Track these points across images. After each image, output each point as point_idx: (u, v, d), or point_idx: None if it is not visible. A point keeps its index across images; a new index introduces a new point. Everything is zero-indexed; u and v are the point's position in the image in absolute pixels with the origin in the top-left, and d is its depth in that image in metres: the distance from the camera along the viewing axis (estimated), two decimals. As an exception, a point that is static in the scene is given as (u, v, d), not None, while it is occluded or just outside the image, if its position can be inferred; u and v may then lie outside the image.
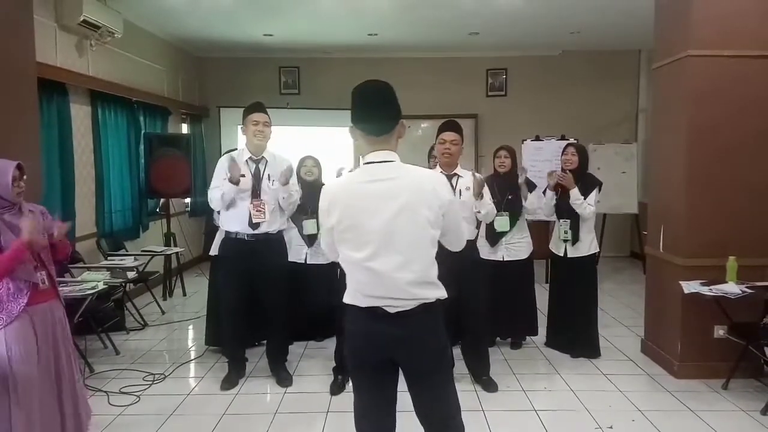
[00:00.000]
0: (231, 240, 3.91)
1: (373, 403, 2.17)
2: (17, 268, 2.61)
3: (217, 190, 3.85)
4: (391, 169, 2.03)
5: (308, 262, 4.71)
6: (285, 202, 3.93)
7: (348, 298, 2.10)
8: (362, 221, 2.00)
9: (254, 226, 3.83)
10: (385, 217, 1.98)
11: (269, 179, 3.89)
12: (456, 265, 2.23)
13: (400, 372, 2.15)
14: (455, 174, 3.83)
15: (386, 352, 2.07)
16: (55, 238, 2.85)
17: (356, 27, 7.05)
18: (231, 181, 3.75)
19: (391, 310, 2.01)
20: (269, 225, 3.88)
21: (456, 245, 2.20)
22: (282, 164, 3.96)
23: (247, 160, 3.90)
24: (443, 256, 2.13)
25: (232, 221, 3.87)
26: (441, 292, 2.07)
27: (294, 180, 4.07)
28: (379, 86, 2.06)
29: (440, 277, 2.09)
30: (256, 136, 3.87)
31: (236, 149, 4.10)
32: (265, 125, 3.88)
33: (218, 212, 4.09)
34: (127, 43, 6.31)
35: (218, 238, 4.17)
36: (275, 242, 3.99)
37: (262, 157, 3.93)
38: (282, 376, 4.05)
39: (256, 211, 3.82)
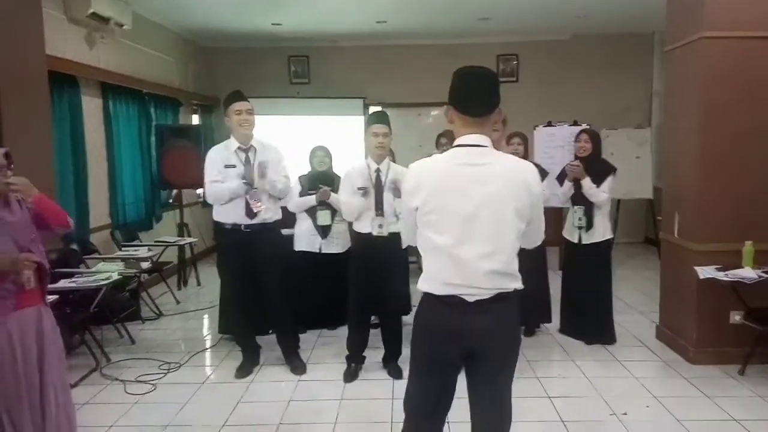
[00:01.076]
0: (228, 231, 3.87)
1: (439, 393, 2.09)
2: None
3: (218, 185, 3.80)
4: (484, 155, 1.96)
5: (323, 251, 4.72)
6: (273, 192, 3.89)
7: (424, 285, 2.03)
8: (449, 204, 1.94)
9: (251, 215, 3.82)
10: (473, 202, 1.91)
11: (261, 167, 3.85)
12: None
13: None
14: None
15: (464, 345, 1.99)
16: (20, 193, 2.45)
17: (365, 15, 7.00)
18: (246, 174, 3.74)
19: (470, 299, 1.95)
20: (265, 213, 3.85)
21: (532, 242, 2.09)
22: (270, 151, 3.94)
23: (236, 151, 3.87)
24: None
25: (228, 212, 3.84)
26: (518, 284, 2.02)
27: (283, 166, 3.99)
28: (484, 70, 2.01)
29: None
30: (242, 126, 3.82)
31: (228, 141, 3.98)
32: (248, 113, 3.83)
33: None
34: (137, 35, 6.31)
35: None
36: (272, 231, 3.98)
37: (251, 145, 3.89)
38: (295, 364, 4.07)
39: (253, 200, 3.80)
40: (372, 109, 8.18)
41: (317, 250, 4.72)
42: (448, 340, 2.00)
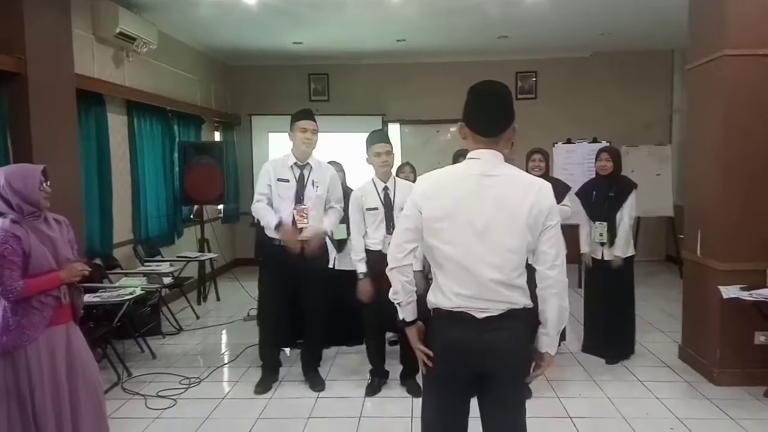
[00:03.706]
0: (275, 246, 3.91)
1: (450, 415, 2.05)
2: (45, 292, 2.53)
3: (261, 207, 3.88)
4: (496, 168, 1.95)
5: (336, 268, 4.73)
6: (333, 229, 4.08)
7: (434, 298, 2.01)
8: (459, 213, 1.93)
9: (298, 231, 3.85)
10: (483, 213, 1.91)
11: (313, 185, 3.92)
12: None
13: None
14: None
15: (476, 365, 1.97)
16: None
17: (384, 33, 7.08)
18: (280, 231, 3.79)
19: (479, 315, 1.93)
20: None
21: (551, 263, 1.97)
22: (326, 172, 4.00)
23: (292, 166, 3.93)
24: None
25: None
26: (527, 300, 1.98)
27: (338, 192, 4.09)
28: (496, 88, 1.98)
29: None
30: (304, 143, 3.91)
31: (286, 155, 4.05)
32: (312, 132, 3.92)
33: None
34: (162, 54, 6.45)
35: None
36: (319, 247, 4.01)
37: (307, 163, 3.96)
38: (315, 380, 4.08)
39: (300, 216, 3.84)
40: (391, 127, 8.28)
41: (331, 266, 4.73)
42: (460, 359, 1.98)
